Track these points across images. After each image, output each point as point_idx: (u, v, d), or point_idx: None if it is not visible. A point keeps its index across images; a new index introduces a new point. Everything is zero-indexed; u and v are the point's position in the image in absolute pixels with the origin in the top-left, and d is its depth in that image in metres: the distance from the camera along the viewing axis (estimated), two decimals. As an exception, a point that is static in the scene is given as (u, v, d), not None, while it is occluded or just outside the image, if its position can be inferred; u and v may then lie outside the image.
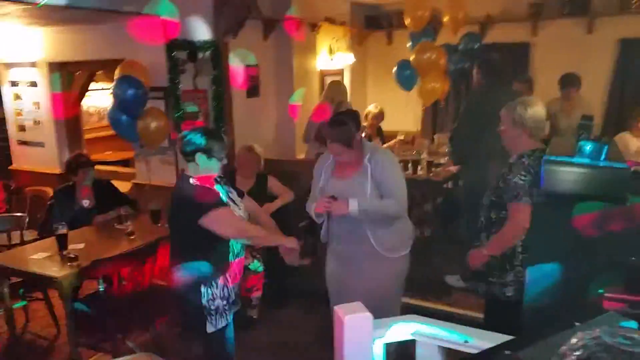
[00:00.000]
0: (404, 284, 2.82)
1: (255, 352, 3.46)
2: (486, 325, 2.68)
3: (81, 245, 3.49)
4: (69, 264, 3.21)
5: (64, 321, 3.45)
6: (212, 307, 2.45)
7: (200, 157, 2.40)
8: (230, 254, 2.49)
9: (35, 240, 4.04)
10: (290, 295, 4.17)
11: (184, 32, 4.29)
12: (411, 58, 5.02)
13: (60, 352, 3.55)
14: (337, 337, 1.53)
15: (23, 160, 5.73)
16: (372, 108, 5.50)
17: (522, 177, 2.33)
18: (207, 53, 4.33)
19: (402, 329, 1.56)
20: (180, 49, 4.28)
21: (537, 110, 2.40)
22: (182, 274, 2.46)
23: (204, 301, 2.43)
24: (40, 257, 3.36)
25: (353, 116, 2.68)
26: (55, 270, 3.15)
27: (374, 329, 1.53)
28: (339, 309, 1.54)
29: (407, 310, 2.10)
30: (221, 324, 2.50)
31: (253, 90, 5.12)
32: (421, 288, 3.87)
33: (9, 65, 5.56)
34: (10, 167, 5.78)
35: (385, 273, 2.67)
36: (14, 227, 4.40)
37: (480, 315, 2.97)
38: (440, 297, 3.97)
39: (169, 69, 4.28)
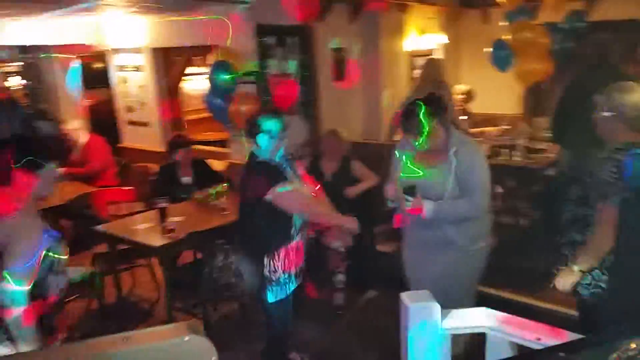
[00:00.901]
0: (479, 276, 2.74)
1: (341, 336, 3.56)
2: (581, 324, 2.58)
3: (180, 218, 3.79)
4: (167, 235, 3.51)
5: (163, 287, 3.79)
6: (274, 278, 2.64)
7: (263, 138, 2.60)
8: (293, 228, 2.67)
9: (140, 212, 4.43)
10: (372, 279, 4.19)
11: (274, 16, 4.41)
12: (507, 37, 4.77)
13: (159, 315, 3.91)
14: (403, 324, 1.56)
15: (131, 138, 6.27)
16: (461, 87, 5.29)
17: (613, 175, 2.02)
18: (295, 37, 4.42)
19: (471, 321, 1.56)
20: (270, 34, 4.41)
21: (638, 97, 2.12)
22: (248, 246, 2.68)
23: (266, 272, 2.62)
24: (143, 227, 3.70)
25: (434, 102, 2.53)
26: (155, 239, 3.46)
27: (442, 318, 1.54)
28: (405, 296, 1.56)
29: (491, 302, 2.03)
30: (281, 295, 2.69)
31: (339, 74, 5.17)
32: (512, 280, 3.72)
33: (118, 51, 6.07)
34: (119, 145, 6.36)
35: (459, 264, 2.60)
36: (123, 200, 4.85)
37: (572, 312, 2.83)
38: (534, 290, 3.77)
39: (259, 54, 4.44)
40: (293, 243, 2.71)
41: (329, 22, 4.73)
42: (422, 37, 5.96)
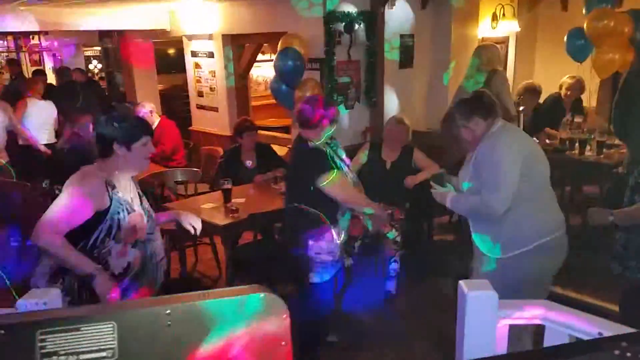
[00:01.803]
0: (532, 285, 2.36)
1: (389, 323, 3.56)
2: (621, 313, 2.43)
3: (242, 200, 3.91)
4: (230, 215, 3.64)
5: (225, 265, 3.93)
6: (318, 260, 2.70)
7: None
8: (339, 213, 2.73)
9: (206, 192, 4.61)
10: (430, 271, 4.15)
11: (343, 3, 4.41)
12: (585, 25, 4.50)
13: (220, 292, 4.08)
14: (460, 313, 1.54)
15: (200, 122, 6.52)
16: (567, 78, 4.93)
17: None
18: (363, 24, 4.40)
19: (530, 313, 1.51)
20: (338, 21, 4.42)
21: None
22: (294, 228, 2.75)
23: (311, 253, 2.68)
24: (208, 207, 3.86)
25: (477, 102, 2.46)
26: (219, 219, 3.60)
27: (500, 309, 1.51)
28: (463, 283, 1.54)
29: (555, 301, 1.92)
30: (325, 277, 2.74)
31: (406, 60, 5.10)
32: (580, 280, 3.55)
33: (191, 37, 6.30)
34: (190, 128, 6.63)
35: (489, 274, 2.24)
36: (190, 180, 5.07)
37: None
38: (603, 290, 3.58)
39: (326, 41, 4.47)
40: (339, 226, 2.76)
41: (398, 8, 4.66)
42: (496, 25, 5.75)
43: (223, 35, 5.84)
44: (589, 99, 5.73)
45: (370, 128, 4.92)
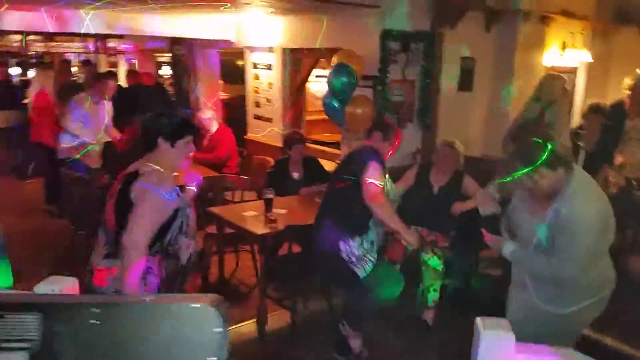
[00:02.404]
0: (571, 340, 2.23)
1: (426, 354, 3.45)
2: None
3: (284, 211, 3.93)
4: (269, 224, 3.66)
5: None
6: (354, 258, 2.96)
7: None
8: (370, 221, 3.08)
9: (252, 200, 4.67)
10: (472, 303, 3.96)
11: (400, 22, 4.38)
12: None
13: (254, 300, 4.08)
14: (474, 351, 1.44)
15: (255, 131, 6.65)
16: (626, 79, 4.48)
17: None
18: (420, 44, 4.34)
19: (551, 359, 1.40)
20: (395, 40, 4.39)
21: None
22: (328, 234, 3.01)
23: (344, 255, 2.94)
24: (249, 215, 3.90)
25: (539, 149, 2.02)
26: (257, 227, 3.63)
27: (518, 352, 1.40)
28: (480, 319, 1.45)
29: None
30: (369, 267, 3.00)
31: (466, 84, 4.97)
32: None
33: (252, 49, 6.47)
34: (245, 137, 6.78)
35: (530, 321, 2.18)
36: (239, 187, 5.16)
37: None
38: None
39: (381, 59, 4.44)
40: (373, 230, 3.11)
41: (460, 29, 4.57)
42: (564, 53, 5.50)
43: (283, 49, 5.95)
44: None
45: (421, 150, 4.82)
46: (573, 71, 5.78)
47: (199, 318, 0.63)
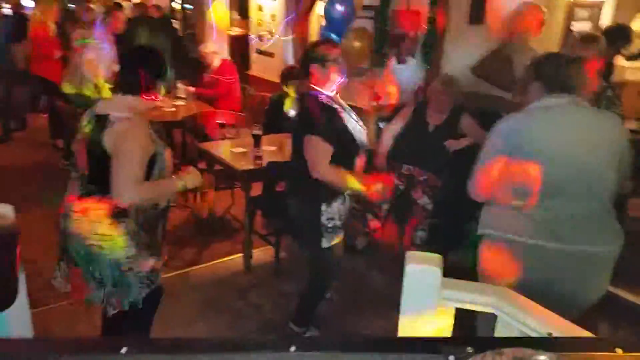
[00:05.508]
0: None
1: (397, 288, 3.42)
2: None
3: (273, 148, 3.84)
4: (255, 161, 3.58)
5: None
6: (330, 226, 2.55)
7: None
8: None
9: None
10: (463, 244, 3.86)
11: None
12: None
13: (242, 236, 4.09)
14: (403, 288, 1.36)
15: (258, 67, 6.46)
16: None
17: None
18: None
19: (480, 299, 1.30)
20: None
21: None
22: (306, 191, 2.59)
23: (322, 219, 2.53)
24: (236, 151, 3.83)
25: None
26: (240, 164, 3.56)
27: (445, 288, 1.31)
28: (410, 253, 1.35)
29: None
30: (333, 241, 2.61)
31: (477, 15, 4.59)
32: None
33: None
34: (247, 72, 6.60)
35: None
36: (236, 125, 5.06)
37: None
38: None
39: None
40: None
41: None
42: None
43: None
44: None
45: (423, 88, 4.57)
46: (599, 5, 5.30)
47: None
